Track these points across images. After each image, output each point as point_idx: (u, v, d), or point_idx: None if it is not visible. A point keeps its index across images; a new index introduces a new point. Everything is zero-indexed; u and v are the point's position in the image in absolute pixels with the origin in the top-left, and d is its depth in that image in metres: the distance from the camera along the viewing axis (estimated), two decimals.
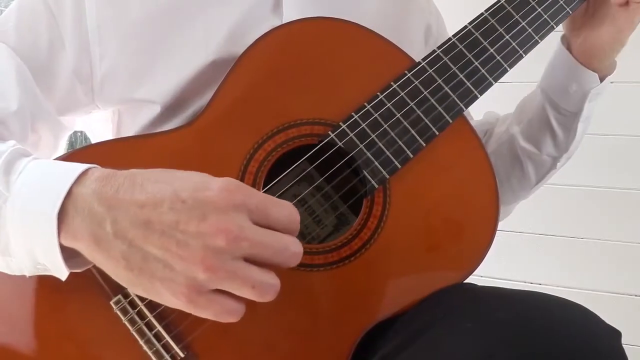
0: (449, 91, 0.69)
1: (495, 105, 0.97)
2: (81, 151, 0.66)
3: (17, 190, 0.56)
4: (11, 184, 0.57)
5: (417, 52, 0.72)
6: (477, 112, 0.97)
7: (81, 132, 0.88)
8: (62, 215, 0.53)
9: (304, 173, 0.69)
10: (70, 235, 0.53)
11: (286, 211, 0.52)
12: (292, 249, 0.52)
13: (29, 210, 0.55)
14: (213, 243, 0.49)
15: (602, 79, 0.79)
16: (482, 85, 0.70)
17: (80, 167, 0.55)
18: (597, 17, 0.77)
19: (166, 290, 0.51)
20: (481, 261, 0.67)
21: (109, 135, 0.79)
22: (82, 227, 0.53)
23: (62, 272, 0.56)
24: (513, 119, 0.89)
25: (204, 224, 0.49)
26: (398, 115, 0.68)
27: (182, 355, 0.60)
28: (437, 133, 0.68)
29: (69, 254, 0.55)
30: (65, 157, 0.65)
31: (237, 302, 0.52)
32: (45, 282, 0.60)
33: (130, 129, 0.76)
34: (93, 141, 0.83)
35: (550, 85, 0.83)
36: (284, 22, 0.75)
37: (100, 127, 0.81)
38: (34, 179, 0.57)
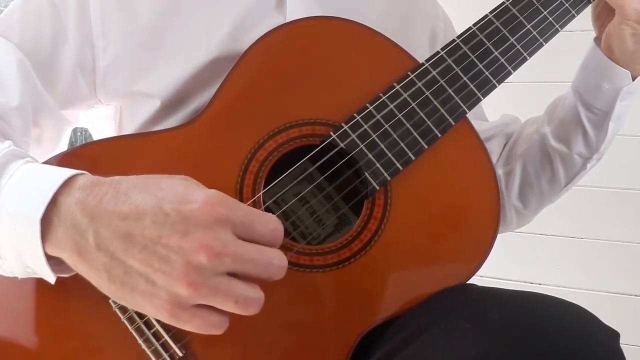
0: (452, 93, 0.69)
1: (496, 105, 0.97)
2: (82, 148, 0.66)
3: (6, 194, 0.56)
4: (1, 187, 0.56)
5: (421, 54, 0.72)
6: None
7: (82, 131, 0.88)
8: (46, 223, 0.53)
9: (305, 173, 0.68)
10: (54, 244, 0.53)
11: (271, 225, 0.52)
12: (276, 262, 0.52)
13: (15, 216, 0.54)
14: (195, 259, 0.48)
15: (634, 78, 0.78)
16: (486, 88, 0.70)
17: (64, 174, 0.55)
18: (610, 10, 0.77)
19: (148, 304, 0.51)
20: (482, 263, 0.67)
21: (111, 133, 0.79)
22: (65, 237, 0.52)
23: (49, 277, 0.56)
24: (544, 120, 0.89)
25: (185, 239, 0.49)
26: (400, 116, 0.68)
27: (180, 354, 0.60)
28: (440, 135, 0.68)
29: (58, 260, 0.55)
30: (66, 155, 0.66)
31: (220, 315, 0.52)
32: (44, 280, 0.60)
33: (131, 126, 0.75)
34: (95, 139, 0.83)
35: (582, 84, 0.82)
36: (287, 20, 0.75)
37: (103, 125, 0.81)
38: (22, 184, 0.56)
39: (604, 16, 0.79)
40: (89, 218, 0.52)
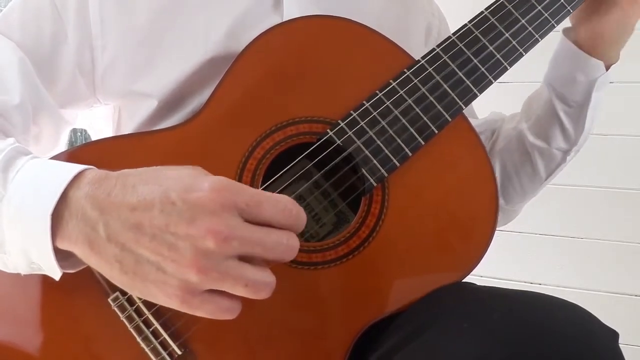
0: (448, 89, 0.69)
1: (495, 105, 0.97)
2: (82, 148, 0.66)
3: (14, 189, 0.56)
4: (8, 182, 0.57)
5: (418, 51, 0.72)
6: (478, 112, 0.97)
7: (81, 131, 0.88)
8: (56, 218, 0.54)
9: (302, 170, 0.68)
10: (65, 238, 0.54)
11: (281, 205, 0.51)
12: (285, 242, 0.51)
13: (23, 211, 0.55)
14: (203, 245, 0.49)
15: (607, 68, 0.79)
16: (482, 84, 0.70)
17: (74, 169, 0.56)
18: (604, 4, 0.77)
19: (160, 292, 0.51)
20: (480, 259, 0.67)
21: (110, 133, 0.79)
22: (75, 230, 0.53)
23: (55, 273, 0.57)
24: (521, 116, 0.89)
25: (193, 226, 0.49)
26: (396, 113, 0.68)
27: (179, 352, 0.60)
28: (436, 131, 0.68)
29: (63, 255, 0.55)
30: (67, 154, 0.66)
31: (231, 300, 0.52)
32: (44, 279, 0.60)
33: (129, 126, 0.76)
34: (94, 139, 0.84)
35: (556, 78, 0.83)
36: (284, 20, 0.75)
37: (101, 125, 0.81)
38: (30, 179, 0.57)
39: (586, 6, 0.79)
40: (98, 211, 0.52)
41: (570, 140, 0.85)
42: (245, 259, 0.51)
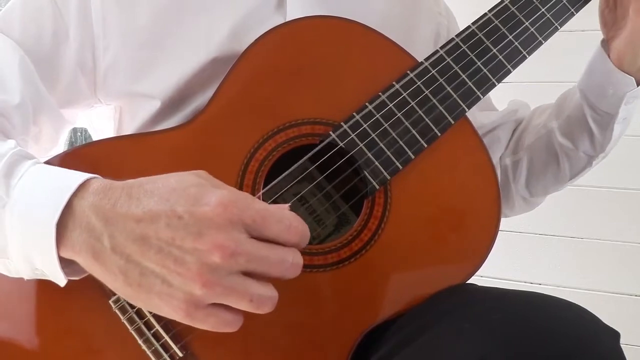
0: (451, 91, 0.69)
1: (497, 106, 0.97)
2: (83, 148, 0.66)
3: (17, 196, 0.56)
4: (11, 188, 0.56)
5: (423, 53, 0.72)
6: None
7: (82, 131, 0.88)
8: (61, 227, 0.53)
9: (305, 173, 0.68)
10: (69, 248, 0.54)
11: (286, 222, 0.52)
12: (289, 260, 0.52)
13: (27, 219, 0.55)
14: (209, 259, 0.49)
15: (638, 83, 0.78)
16: (485, 86, 0.70)
17: (79, 177, 0.55)
18: (624, 20, 0.77)
19: (164, 305, 0.51)
20: (483, 262, 0.67)
21: (110, 133, 0.79)
22: (80, 240, 0.53)
23: (60, 280, 0.56)
24: (552, 113, 0.89)
25: (200, 240, 0.49)
26: (399, 115, 0.68)
27: (180, 354, 0.60)
28: (439, 134, 0.68)
29: (66, 262, 0.55)
30: (67, 155, 0.65)
31: (234, 314, 0.52)
32: (44, 280, 0.60)
33: (130, 126, 0.75)
34: (95, 139, 0.83)
35: (587, 87, 0.82)
36: (287, 20, 0.75)
37: (102, 124, 0.81)
38: (34, 186, 0.56)
39: (611, 23, 0.79)
40: (103, 221, 0.52)
41: (596, 146, 0.85)
42: (247, 273, 0.51)
